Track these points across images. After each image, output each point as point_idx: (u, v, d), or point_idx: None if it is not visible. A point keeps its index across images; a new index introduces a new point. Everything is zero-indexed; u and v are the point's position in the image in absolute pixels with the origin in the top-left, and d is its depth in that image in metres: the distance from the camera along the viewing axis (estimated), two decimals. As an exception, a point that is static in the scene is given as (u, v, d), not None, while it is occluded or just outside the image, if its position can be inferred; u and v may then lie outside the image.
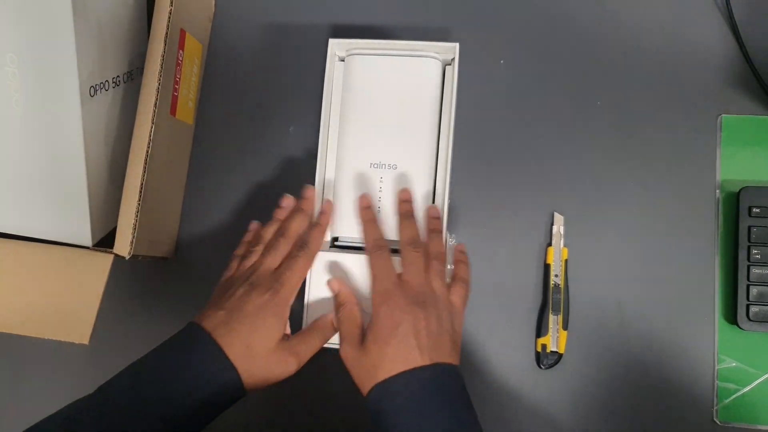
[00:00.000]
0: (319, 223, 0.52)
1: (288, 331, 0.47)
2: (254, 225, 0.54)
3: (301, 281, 0.49)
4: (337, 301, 0.49)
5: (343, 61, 0.55)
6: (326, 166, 0.54)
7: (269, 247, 0.49)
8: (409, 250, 0.47)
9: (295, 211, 0.52)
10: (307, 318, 0.51)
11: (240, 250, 0.52)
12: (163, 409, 0.40)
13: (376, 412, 0.42)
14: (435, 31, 0.59)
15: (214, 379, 0.41)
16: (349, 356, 0.45)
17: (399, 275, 0.47)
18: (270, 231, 0.51)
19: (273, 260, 0.48)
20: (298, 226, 0.51)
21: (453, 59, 0.53)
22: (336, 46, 0.55)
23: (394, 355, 0.42)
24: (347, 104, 0.54)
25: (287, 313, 0.46)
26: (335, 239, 0.54)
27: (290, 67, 0.60)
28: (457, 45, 0.52)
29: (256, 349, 0.43)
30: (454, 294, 0.48)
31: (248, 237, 0.53)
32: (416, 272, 0.46)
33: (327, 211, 0.52)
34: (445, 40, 0.53)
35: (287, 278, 0.47)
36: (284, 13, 0.61)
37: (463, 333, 0.54)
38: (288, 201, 0.53)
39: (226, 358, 0.42)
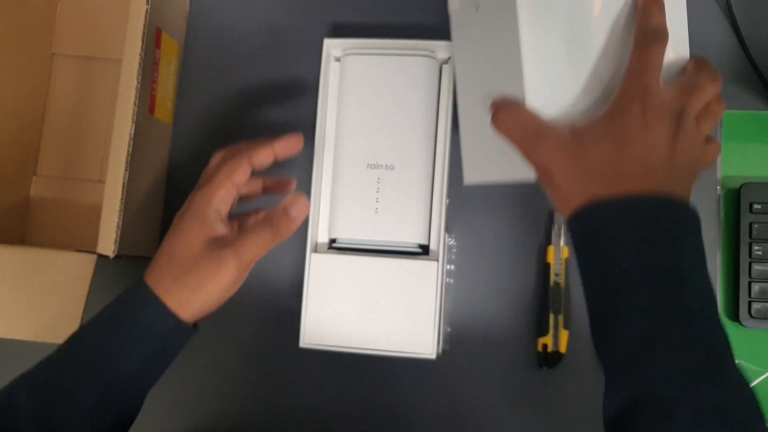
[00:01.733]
0: (271, 142, 0.44)
1: (234, 231, 0.42)
2: None
3: (232, 183, 0.42)
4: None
5: (339, 61, 0.54)
6: (323, 168, 0.54)
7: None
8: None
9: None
10: (306, 320, 0.50)
11: None
12: (97, 379, 0.38)
13: (589, 236, 0.35)
14: (431, 30, 0.58)
15: (152, 328, 0.39)
16: (561, 147, 0.35)
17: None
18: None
19: (203, 173, 0.44)
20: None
21: (449, 58, 0.52)
22: (332, 46, 0.54)
23: (635, 160, 0.34)
24: (344, 105, 0.53)
25: (210, 212, 0.40)
26: (333, 241, 0.52)
27: (273, 65, 0.59)
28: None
29: (178, 259, 0.39)
30: (707, 117, 0.37)
31: None
32: (686, 89, 0.37)
33: (291, 141, 0.45)
34: (441, 39, 0.52)
35: (208, 182, 0.42)
36: (262, 11, 0.60)
37: (462, 333, 0.54)
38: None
39: (156, 297, 0.38)
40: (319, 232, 0.53)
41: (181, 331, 0.40)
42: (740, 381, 0.32)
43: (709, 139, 0.38)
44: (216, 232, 0.40)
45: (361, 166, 0.51)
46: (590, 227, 0.35)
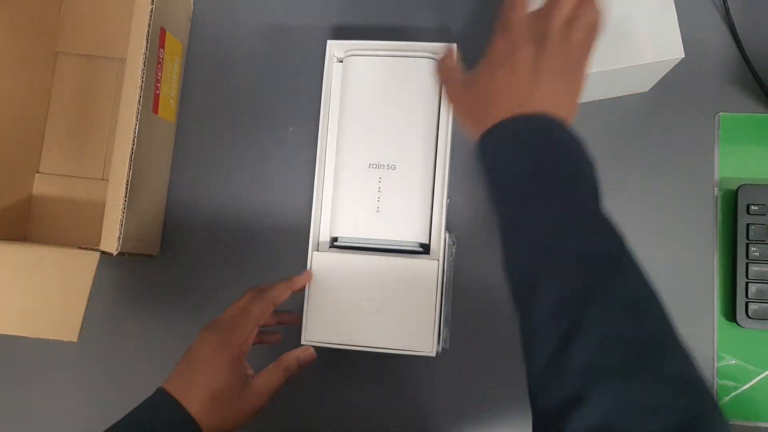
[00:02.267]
0: (290, 279, 0.50)
1: (251, 371, 0.47)
2: None
3: (256, 325, 0.47)
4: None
5: (342, 62, 0.55)
6: (325, 167, 0.54)
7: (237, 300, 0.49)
8: None
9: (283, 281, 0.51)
10: (307, 318, 0.50)
11: None
12: None
13: (481, 164, 0.41)
14: (433, 32, 0.58)
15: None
16: (454, 95, 0.44)
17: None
18: None
19: (233, 308, 0.48)
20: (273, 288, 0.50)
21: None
22: (335, 48, 0.54)
23: (503, 84, 0.40)
24: (346, 105, 0.53)
25: (240, 355, 0.45)
26: (335, 239, 0.53)
27: (275, 65, 0.59)
28: (454, 45, 0.51)
29: (215, 396, 0.43)
30: (580, 27, 0.41)
31: None
32: (545, 11, 0.41)
33: (304, 278, 0.51)
34: (443, 41, 0.52)
35: (239, 322, 0.46)
36: (265, 12, 0.60)
37: (462, 332, 0.54)
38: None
39: (184, 410, 0.42)
40: (321, 231, 0.53)
41: None
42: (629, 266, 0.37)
43: (590, 39, 0.42)
44: (246, 371, 0.46)
45: (363, 166, 0.51)
46: (479, 155, 0.41)
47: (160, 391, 0.43)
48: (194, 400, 0.42)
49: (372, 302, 0.50)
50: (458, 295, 0.54)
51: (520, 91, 0.40)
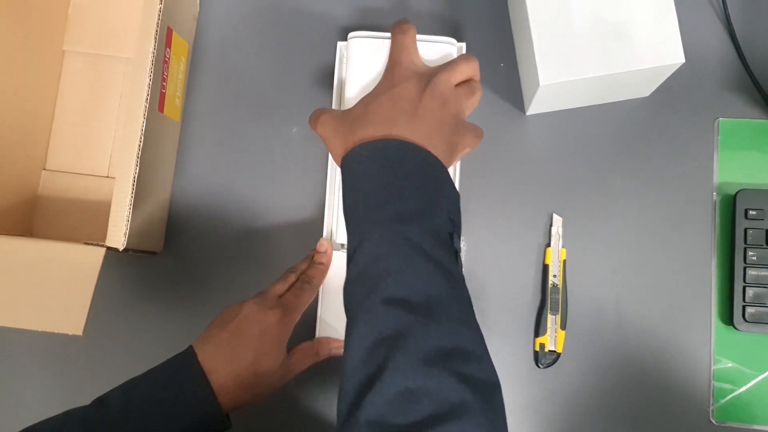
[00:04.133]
0: (322, 262, 0.52)
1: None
2: None
3: (304, 309, 0.48)
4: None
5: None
6: (336, 168, 0.54)
7: (279, 279, 0.50)
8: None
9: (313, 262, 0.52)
10: (321, 315, 0.51)
11: None
12: None
13: (342, 179, 0.41)
14: (438, 32, 0.59)
15: (194, 409, 0.41)
16: (327, 122, 0.44)
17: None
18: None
19: (281, 287, 0.49)
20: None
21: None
22: (345, 49, 0.54)
23: (381, 107, 0.41)
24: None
25: (287, 338, 0.46)
26: (342, 245, 0.53)
27: (281, 66, 0.60)
28: (464, 45, 0.52)
29: (253, 375, 0.43)
30: (463, 90, 0.44)
31: None
32: (443, 65, 0.44)
33: (328, 251, 0.52)
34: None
35: (290, 302, 0.47)
36: (271, 13, 0.61)
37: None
38: (323, 247, 0.53)
39: (210, 389, 0.41)
40: (333, 230, 0.54)
41: (217, 422, 0.42)
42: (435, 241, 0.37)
43: (468, 102, 0.44)
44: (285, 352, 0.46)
45: None
46: (343, 170, 0.41)
47: (191, 354, 0.43)
48: (224, 376, 0.42)
49: None
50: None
51: (393, 117, 0.40)
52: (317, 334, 0.51)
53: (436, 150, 0.40)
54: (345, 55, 0.53)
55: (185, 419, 0.41)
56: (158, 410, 0.41)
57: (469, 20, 0.59)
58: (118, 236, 0.47)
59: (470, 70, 0.44)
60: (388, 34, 0.48)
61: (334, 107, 0.54)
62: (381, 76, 0.46)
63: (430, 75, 0.42)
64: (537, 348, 0.53)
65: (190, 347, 0.44)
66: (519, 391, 0.54)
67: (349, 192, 0.40)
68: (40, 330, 0.46)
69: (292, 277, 0.50)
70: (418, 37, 0.48)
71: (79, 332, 0.46)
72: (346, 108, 0.46)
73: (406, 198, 0.37)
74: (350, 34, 0.51)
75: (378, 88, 0.44)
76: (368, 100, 0.43)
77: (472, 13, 0.59)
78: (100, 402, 0.42)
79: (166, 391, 0.42)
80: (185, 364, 0.43)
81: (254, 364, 0.43)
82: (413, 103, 0.41)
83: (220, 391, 0.42)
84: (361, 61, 0.49)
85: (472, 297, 0.53)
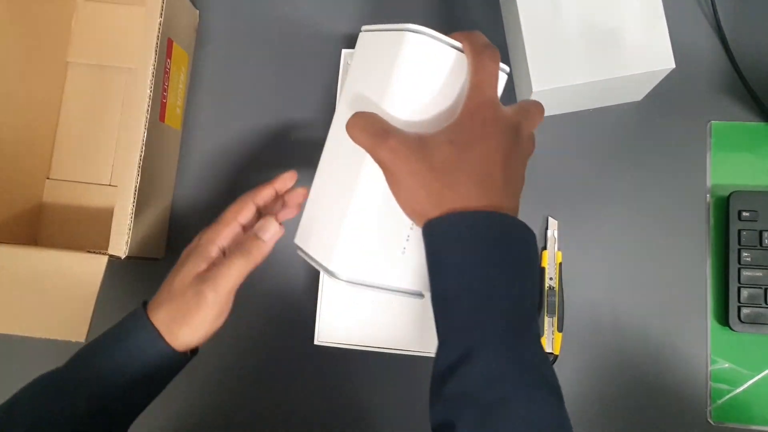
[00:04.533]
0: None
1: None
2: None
3: (235, 219, 0.44)
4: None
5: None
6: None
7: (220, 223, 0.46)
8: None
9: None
10: (321, 318, 0.51)
11: None
12: (91, 390, 0.40)
13: (430, 249, 0.35)
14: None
15: (143, 350, 0.41)
16: (402, 155, 0.35)
17: None
18: None
19: (215, 242, 0.44)
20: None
21: None
22: (350, 57, 0.54)
23: (474, 164, 0.35)
24: (350, 93, 0.42)
25: (213, 249, 0.42)
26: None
27: (280, 76, 0.61)
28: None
29: (173, 293, 0.41)
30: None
31: None
32: (522, 110, 0.38)
33: (287, 176, 0.47)
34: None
35: (210, 229, 0.44)
36: (270, 23, 0.62)
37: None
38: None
39: (149, 322, 0.41)
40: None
41: (170, 358, 0.41)
42: (539, 348, 0.34)
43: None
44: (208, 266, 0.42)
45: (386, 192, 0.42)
46: (436, 241, 0.35)
47: (139, 310, 0.42)
48: (163, 321, 0.41)
49: (385, 302, 0.50)
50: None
51: (492, 181, 0.35)
52: (316, 338, 0.51)
53: (516, 200, 0.37)
54: (357, 53, 0.45)
55: (135, 363, 0.40)
56: (102, 362, 0.41)
57: (464, 27, 0.59)
58: (120, 244, 0.48)
59: (539, 121, 0.39)
60: (400, 26, 0.39)
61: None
62: (452, 99, 0.38)
63: (515, 125, 0.37)
64: (534, 350, 0.54)
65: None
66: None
67: (446, 276, 0.34)
68: (43, 337, 0.47)
69: (229, 229, 0.44)
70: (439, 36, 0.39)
71: (82, 339, 0.47)
72: (364, 109, 0.38)
73: (515, 295, 0.34)
74: (363, 27, 0.44)
75: (466, 133, 0.35)
76: (460, 146, 0.35)
77: (466, 20, 0.60)
78: (57, 369, 0.42)
79: (111, 342, 0.41)
80: (130, 315, 0.43)
81: (175, 277, 0.42)
82: (507, 162, 0.35)
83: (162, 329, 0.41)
84: (374, 56, 0.41)
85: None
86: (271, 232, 0.43)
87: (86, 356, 0.42)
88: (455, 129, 0.36)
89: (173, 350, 0.41)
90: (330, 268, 0.39)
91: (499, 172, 0.35)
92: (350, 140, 0.37)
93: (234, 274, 0.41)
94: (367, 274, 0.40)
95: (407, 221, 0.40)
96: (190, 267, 0.42)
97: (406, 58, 0.38)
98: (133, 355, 0.41)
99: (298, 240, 0.45)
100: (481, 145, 0.35)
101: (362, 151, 0.37)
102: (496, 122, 0.36)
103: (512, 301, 0.34)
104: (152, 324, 0.41)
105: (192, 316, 0.40)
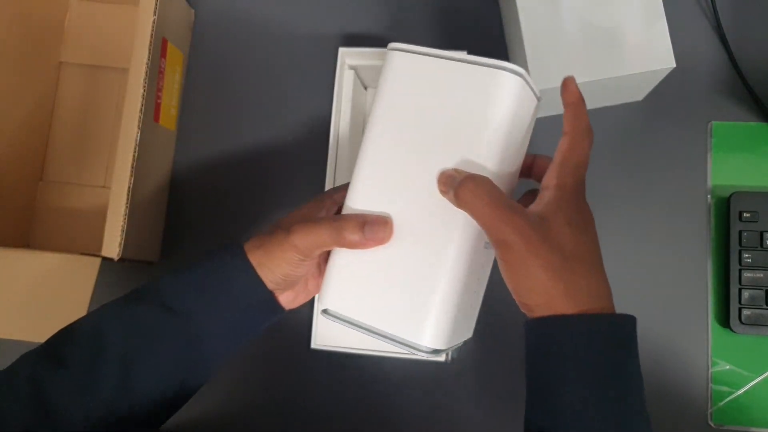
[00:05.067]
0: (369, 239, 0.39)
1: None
2: None
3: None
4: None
5: (353, 69, 0.54)
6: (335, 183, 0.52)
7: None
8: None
9: None
10: (318, 322, 0.50)
11: None
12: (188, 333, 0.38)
13: (542, 351, 0.33)
14: (436, 40, 0.59)
15: (240, 294, 0.38)
16: (532, 224, 0.32)
17: None
18: None
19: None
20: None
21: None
22: (347, 55, 0.54)
23: (591, 267, 0.33)
24: (384, 121, 0.37)
25: (327, 199, 0.41)
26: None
27: (276, 75, 0.60)
28: (464, 54, 0.52)
29: (270, 229, 0.39)
30: None
31: None
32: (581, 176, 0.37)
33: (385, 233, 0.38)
34: (450, 49, 0.52)
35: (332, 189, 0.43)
36: (266, 23, 0.61)
37: (477, 342, 0.54)
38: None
39: (248, 261, 0.38)
40: None
41: (267, 305, 0.39)
42: None
43: None
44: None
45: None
46: (546, 342, 0.33)
47: (236, 248, 0.39)
48: (256, 256, 0.38)
49: None
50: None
51: (603, 271, 0.34)
52: (312, 342, 0.51)
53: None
54: (406, 78, 0.38)
55: (233, 308, 0.38)
56: (201, 303, 0.38)
57: (463, 27, 0.59)
58: (113, 246, 0.48)
59: None
60: (494, 63, 0.35)
61: (333, 115, 0.53)
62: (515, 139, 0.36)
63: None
64: (534, 353, 0.53)
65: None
66: (516, 395, 0.53)
67: (566, 390, 0.32)
68: (35, 341, 0.46)
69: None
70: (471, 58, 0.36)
71: (75, 342, 0.46)
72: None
73: (632, 405, 0.32)
74: (391, 45, 0.38)
75: (579, 214, 0.34)
76: (578, 230, 0.33)
77: (465, 21, 0.59)
78: (136, 298, 0.39)
79: (207, 280, 0.38)
80: (228, 253, 0.39)
81: (283, 217, 0.40)
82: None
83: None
84: (407, 82, 0.37)
85: (488, 307, 0.53)
86: (377, 237, 0.36)
87: (173, 293, 0.38)
88: (567, 209, 0.34)
89: (274, 299, 0.38)
90: (421, 342, 0.35)
91: (601, 267, 0.34)
92: (428, 195, 0.34)
93: (317, 242, 0.37)
94: (451, 340, 0.37)
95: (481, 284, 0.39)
96: (298, 210, 0.40)
97: (509, 103, 0.35)
98: (233, 298, 0.38)
99: (332, 304, 0.38)
100: (592, 228, 0.35)
101: (450, 210, 0.34)
102: (586, 206, 0.36)
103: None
104: (254, 269, 0.37)
105: (273, 254, 0.38)
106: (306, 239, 0.37)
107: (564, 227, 0.33)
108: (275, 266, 0.38)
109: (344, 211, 0.38)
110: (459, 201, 0.33)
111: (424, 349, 0.35)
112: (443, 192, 0.35)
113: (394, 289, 0.36)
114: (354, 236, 0.36)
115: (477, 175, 0.34)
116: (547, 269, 0.32)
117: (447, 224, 0.35)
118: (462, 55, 0.36)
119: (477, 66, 0.35)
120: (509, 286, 0.34)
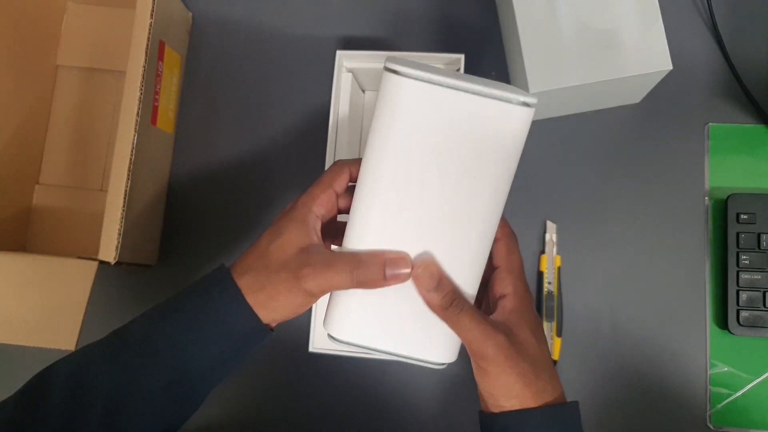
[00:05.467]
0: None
1: (314, 240, 0.38)
2: None
3: (331, 186, 0.39)
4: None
5: (351, 72, 0.53)
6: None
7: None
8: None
9: None
10: (315, 325, 0.50)
11: None
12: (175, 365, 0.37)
13: None
14: (439, 46, 0.59)
15: (231, 326, 0.37)
16: (506, 345, 0.35)
17: None
18: None
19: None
20: None
21: (458, 70, 0.52)
22: (344, 58, 0.54)
23: (546, 359, 0.37)
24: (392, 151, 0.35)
25: (310, 216, 0.38)
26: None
27: (273, 78, 0.60)
28: (462, 57, 0.52)
29: (269, 261, 0.37)
30: None
31: None
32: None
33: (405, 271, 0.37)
34: (449, 53, 0.52)
35: (313, 184, 0.40)
36: (264, 25, 0.61)
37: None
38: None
39: (238, 290, 0.37)
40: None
41: (259, 334, 0.38)
42: None
43: None
44: (311, 239, 0.37)
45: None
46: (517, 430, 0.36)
47: (224, 276, 0.38)
48: (251, 289, 0.37)
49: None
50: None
51: (551, 374, 0.38)
52: (310, 346, 0.51)
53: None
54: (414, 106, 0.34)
55: (225, 341, 0.37)
56: (192, 337, 0.37)
57: (461, 30, 0.59)
58: (109, 250, 0.48)
59: None
60: (440, 79, 0.33)
61: (331, 116, 0.53)
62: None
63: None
64: (532, 355, 0.53)
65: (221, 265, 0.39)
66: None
67: None
68: (31, 345, 0.46)
69: (325, 196, 0.39)
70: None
71: (72, 347, 0.46)
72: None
73: None
74: (388, 64, 0.34)
75: (534, 321, 0.38)
76: (538, 337, 0.37)
77: (463, 23, 0.59)
78: (122, 334, 0.38)
79: (197, 313, 0.38)
80: (216, 283, 0.38)
81: (272, 242, 0.38)
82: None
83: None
84: (412, 113, 0.34)
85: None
86: (399, 275, 0.36)
87: (164, 328, 0.38)
88: (528, 316, 0.38)
89: (264, 327, 0.38)
90: (434, 359, 0.37)
91: (555, 377, 0.38)
92: (440, 222, 0.35)
93: (340, 282, 0.36)
94: (458, 351, 0.39)
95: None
96: (292, 237, 0.37)
97: (522, 138, 0.35)
98: (224, 331, 0.37)
99: (339, 332, 0.38)
100: (541, 328, 0.39)
101: (457, 238, 0.36)
102: (539, 322, 0.39)
103: None
104: (244, 297, 0.37)
105: (278, 299, 0.37)
106: (320, 285, 0.36)
107: (529, 336, 0.37)
108: (280, 307, 0.37)
109: (351, 246, 0.37)
110: (445, 316, 0.36)
111: (438, 365, 0.37)
112: (424, 290, 0.36)
113: (402, 311, 0.36)
114: (375, 277, 0.35)
115: (461, 297, 0.36)
116: (520, 377, 0.35)
117: (454, 251, 0.36)
118: (469, 78, 0.34)
119: (491, 100, 0.33)
120: (481, 387, 0.37)
